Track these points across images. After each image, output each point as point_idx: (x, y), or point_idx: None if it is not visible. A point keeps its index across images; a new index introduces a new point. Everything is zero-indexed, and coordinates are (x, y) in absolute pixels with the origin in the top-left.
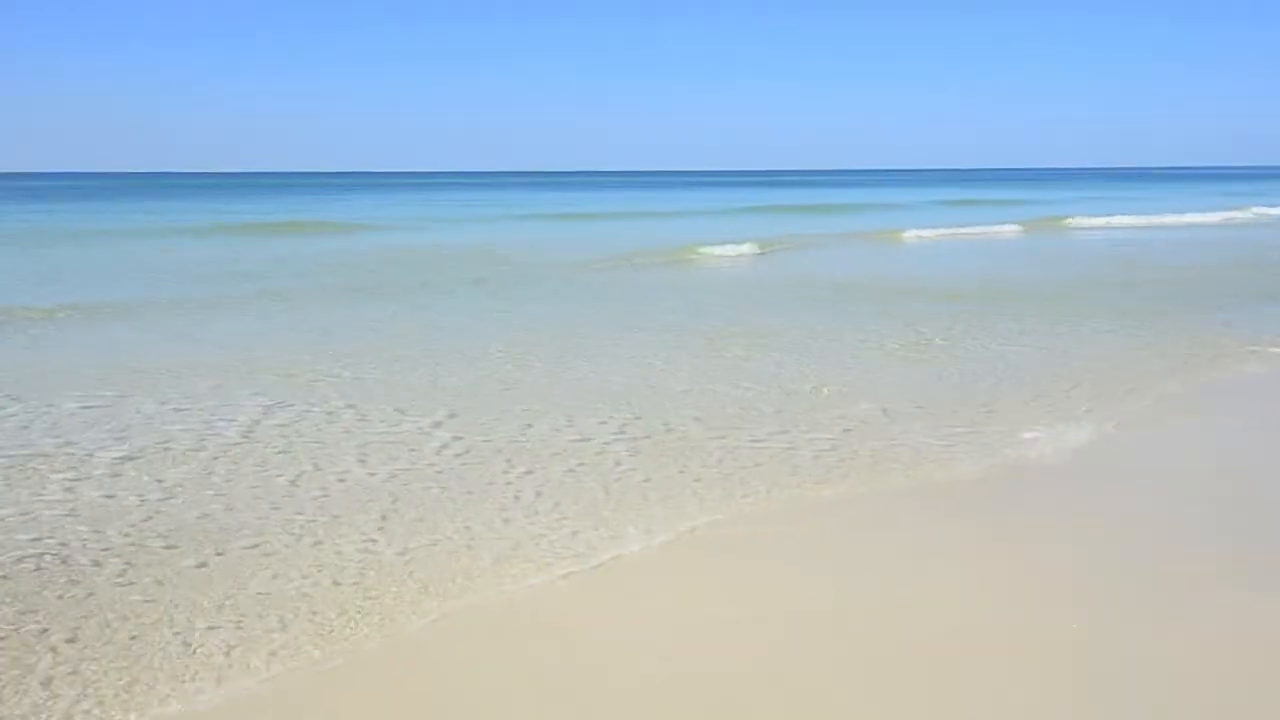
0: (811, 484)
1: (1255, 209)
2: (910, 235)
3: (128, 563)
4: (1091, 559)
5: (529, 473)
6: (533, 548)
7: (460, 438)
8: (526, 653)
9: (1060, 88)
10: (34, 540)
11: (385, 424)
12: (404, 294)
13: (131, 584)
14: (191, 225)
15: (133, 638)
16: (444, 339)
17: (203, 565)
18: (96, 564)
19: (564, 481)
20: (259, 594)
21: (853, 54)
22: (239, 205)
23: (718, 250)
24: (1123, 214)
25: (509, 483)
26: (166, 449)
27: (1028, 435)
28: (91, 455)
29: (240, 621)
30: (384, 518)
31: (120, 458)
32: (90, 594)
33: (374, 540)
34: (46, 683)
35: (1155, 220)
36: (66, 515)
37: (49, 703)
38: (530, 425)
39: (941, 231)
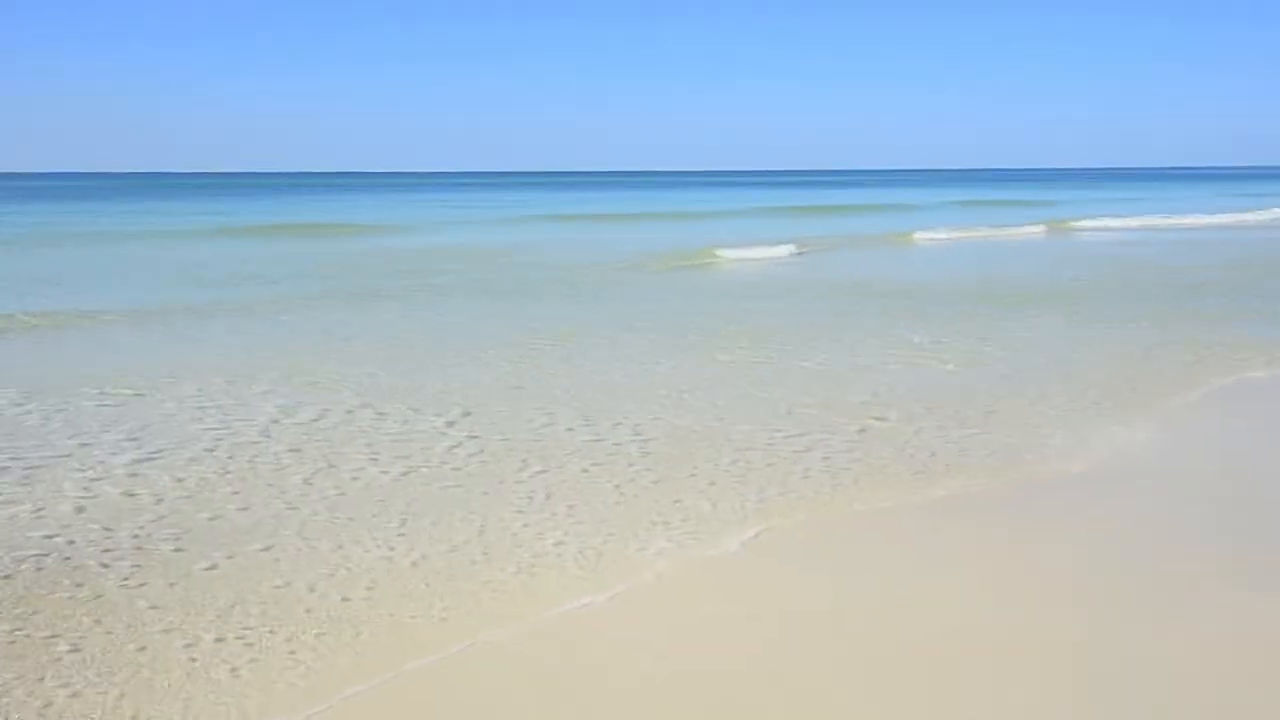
0: (820, 486)
1: (1276, 210)
2: (932, 237)
3: (136, 565)
4: (1091, 559)
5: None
6: (553, 560)
7: (515, 456)
8: (550, 677)
9: (1060, 88)
10: (46, 538)
11: (405, 425)
12: (451, 297)
13: (142, 585)
14: (197, 227)
15: (140, 649)
16: (510, 348)
17: (213, 568)
18: (105, 565)
19: (603, 494)
20: (267, 607)
21: (852, 54)
22: (243, 206)
23: (752, 253)
24: (1145, 215)
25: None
26: (182, 449)
27: (1032, 437)
28: (106, 455)
29: (245, 635)
30: (402, 521)
31: (135, 459)
32: (98, 595)
33: (391, 549)
34: (45, 707)
35: (1178, 221)
36: (79, 513)
37: None
38: (572, 428)
39: (967, 233)
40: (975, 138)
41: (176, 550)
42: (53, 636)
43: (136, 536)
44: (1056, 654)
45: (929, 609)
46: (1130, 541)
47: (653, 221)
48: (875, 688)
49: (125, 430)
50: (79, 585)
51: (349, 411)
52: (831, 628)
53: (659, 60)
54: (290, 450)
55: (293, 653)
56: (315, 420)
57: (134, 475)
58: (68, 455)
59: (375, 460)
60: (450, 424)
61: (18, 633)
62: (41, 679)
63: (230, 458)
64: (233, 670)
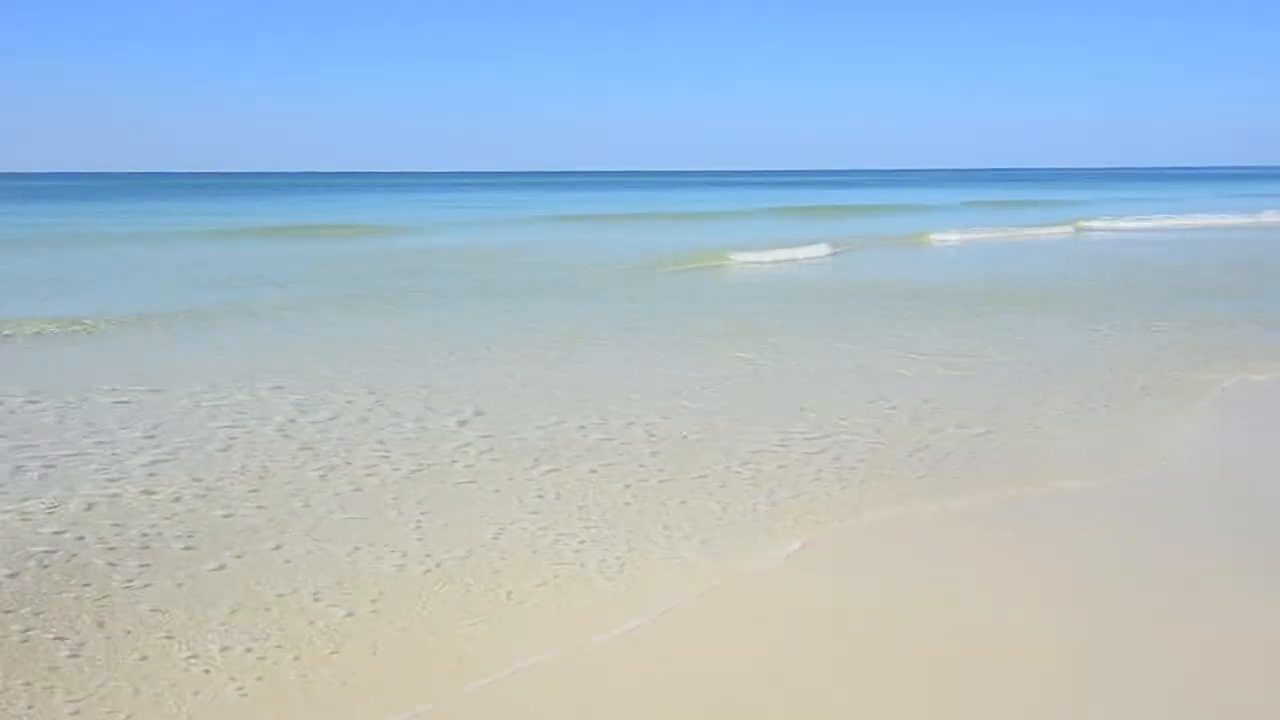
0: (826, 486)
1: None
2: (949, 238)
3: (145, 564)
4: (1091, 559)
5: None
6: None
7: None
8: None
9: (1060, 88)
10: (56, 534)
11: (418, 423)
12: (462, 299)
13: (148, 586)
14: (201, 229)
15: (142, 658)
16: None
17: (221, 568)
18: (113, 564)
19: (626, 502)
20: (273, 615)
21: (852, 54)
22: (245, 207)
23: (775, 254)
24: (1162, 215)
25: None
26: (200, 447)
27: (1034, 436)
28: (121, 453)
29: (253, 648)
30: (418, 525)
31: (152, 460)
32: (105, 596)
33: (404, 555)
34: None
35: (1198, 222)
36: (90, 510)
37: None
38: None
39: (991, 234)
40: (975, 137)
41: (187, 549)
42: (57, 639)
43: (146, 535)
44: (1056, 654)
45: (929, 609)
46: (1130, 541)
47: (661, 222)
48: (875, 687)
49: (141, 429)
50: (86, 585)
51: (364, 410)
52: (832, 626)
53: (659, 60)
54: (303, 448)
55: (303, 676)
56: (331, 419)
57: (150, 474)
58: (84, 453)
59: (387, 458)
60: (463, 423)
61: (25, 633)
62: (50, 687)
63: (248, 456)
64: (240, 690)
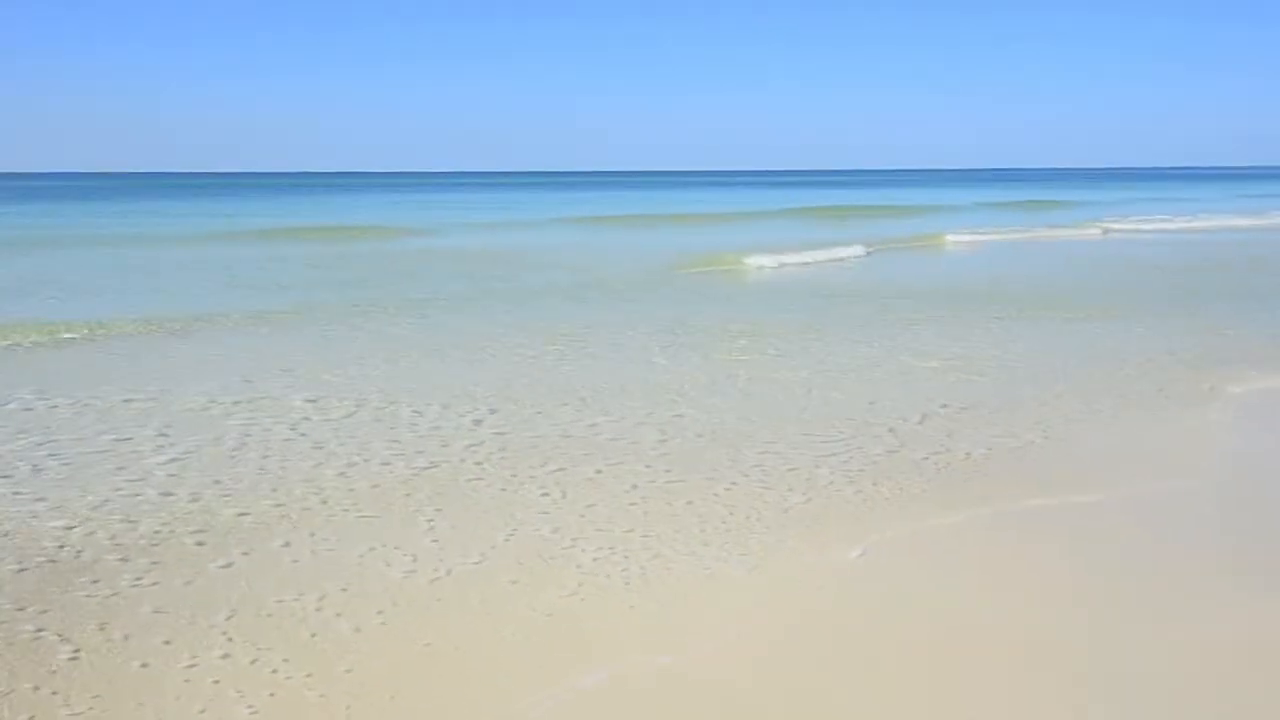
0: (828, 487)
1: None
2: (963, 240)
3: (155, 561)
4: (1092, 559)
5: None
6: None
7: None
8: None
9: (1061, 88)
10: (67, 529)
11: (434, 422)
12: (496, 303)
13: (155, 584)
14: (213, 231)
15: (143, 665)
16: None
17: (229, 565)
18: (124, 560)
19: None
20: (279, 622)
21: (852, 54)
22: (252, 207)
23: (809, 256)
24: (1184, 216)
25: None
26: (216, 444)
27: (1035, 436)
28: (138, 450)
29: (257, 659)
30: (430, 525)
31: (170, 459)
32: (114, 594)
33: (415, 559)
34: None
35: (1223, 223)
36: (104, 506)
37: None
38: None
39: (1022, 235)
40: (975, 137)
41: (198, 544)
42: (60, 639)
43: (158, 532)
44: (1057, 654)
45: (930, 609)
46: (1131, 541)
47: (674, 224)
48: (876, 687)
49: (154, 428)
50: (95, 581)
51: (381, 410)
52: (833, 627)
53: (659, 60)
54: (315, 447)
55: (324, 696)
56: (346, 416)
57: (167, 473)
58: (102, 451)
59: (402, 455)
60: (478, 421)
61: (32, 631)
62: (54, 692)
63: (265, 456)
64: (251, 709)
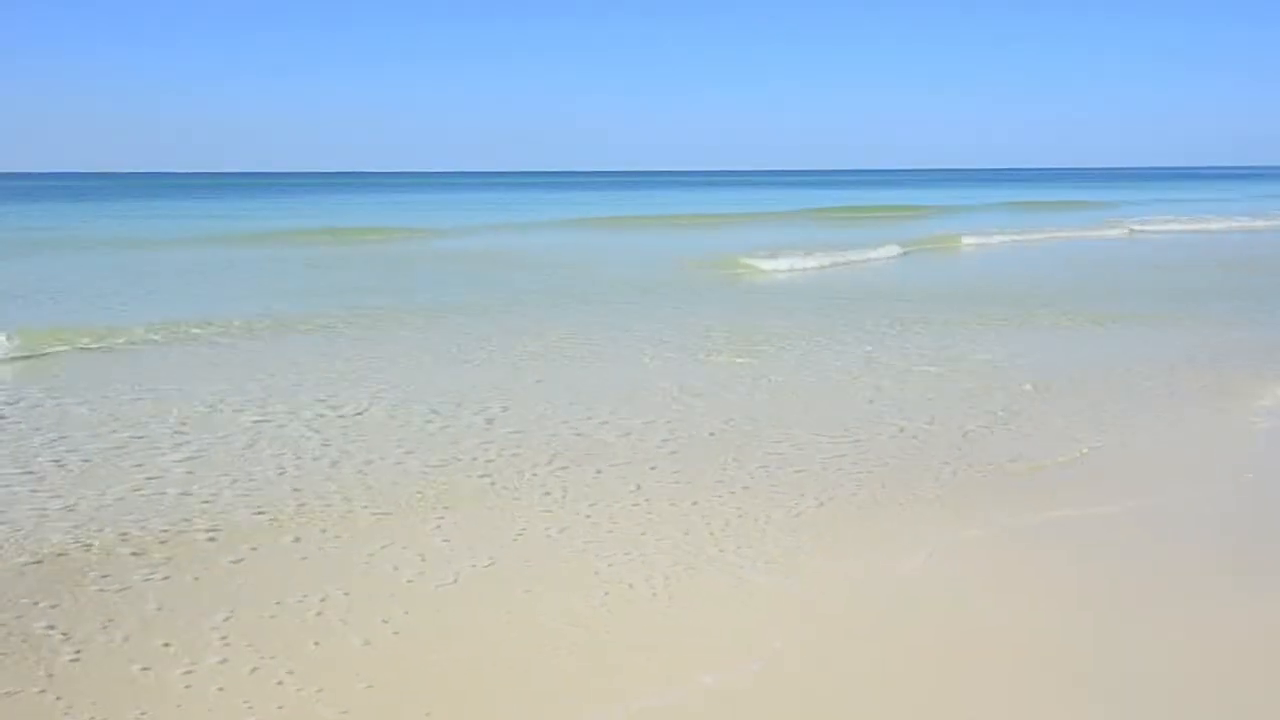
0: (830, 486)
1: None
2: (982, 241)
3: (168, 556)
4: (1093, 559)
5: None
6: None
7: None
8: None
9: (1061, 88)
10: (76, 526)
11: (446, 421)
12: (530, 307)
13: (167, 578)
14: (231, 233)
15: (144, 669)
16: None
17: (239, 561)
18: (137, 554)
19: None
20: (281, 626)
21: (852, 53)
22: (262, 208)
23: (856, 255)
24: (1213, 217)
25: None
26: (227, 442)
27: (1035, 438)
28: (155, 447)
29: (258, 666)
30: (438, 525)
31: (185, 457)
32: (125, 588)
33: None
34: None
35: (1247, 225)
36: (120, 501)
37: None
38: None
39: (1048, 235)
40: (976, 137)
41: (210, 540)
42: (64, 638)
43: (167, 530)
44: (1058, 654)
45: (930, 609)
46: (1132, 541)
47: (693, 225)
48: (876, 687)
49: (171, 424)
50: (106, 575)
51: (394, 406)
52: (832, 626)
53: (659, 60)
54: (323, 444)
55: (345, 713)
56: (358, 414)
57: (185, 471)
58: (119, 448)
59: (412, 454)
60: (490, 421)
61: (39, 628)
62: (58, 698)
63: (281, 455)
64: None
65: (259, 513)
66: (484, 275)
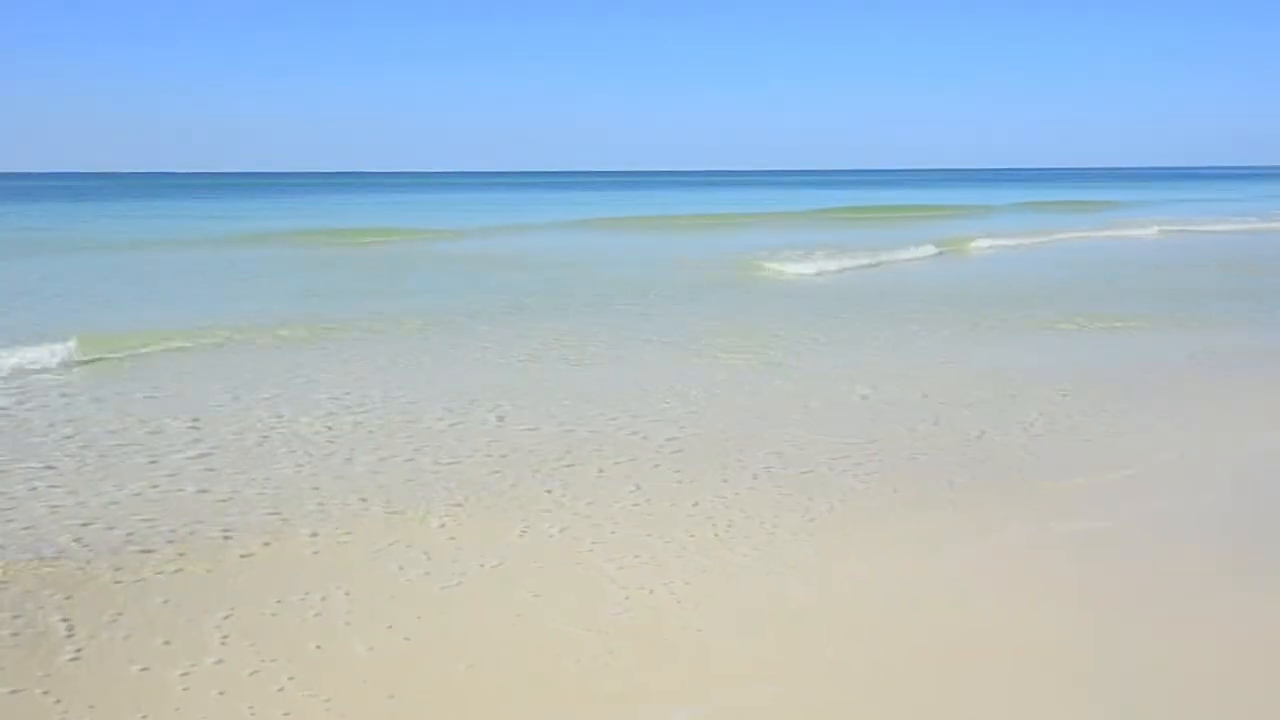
0: (830, 485)
1: None
2: (995, 244)
3: (182, 552)
4: (1093, 559)
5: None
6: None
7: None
8: None
9: (1063, 88)
10: (85, 525)
11: (457, 420)
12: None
13: (179, 571)
14: (241, 234)
15: (143, 670)
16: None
17: (249, 555)
18: (148, 551)
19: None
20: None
21: (854, 53)
22: (268, 208)
23: (890, 255)
24: (1239, 217)
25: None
26: (240, 438)
27: (1033, 437)
28: (171, 443)
29: (259, 669)
30: (443, 525)
31: (199, 454)
32: (138, 580)
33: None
34: None
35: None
36: (136, 497)
37: None
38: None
39: (1077, 235)
40: (976, 137)
41: (225, 537)
42: (68, 635)
43: (185, 526)
44: (1059, 654)
45: (930, 609)
46: (1133, 541)
47: (712, 226)
48: (876, 687)
49: (186, 420)
50: (118, 569)
51: (407, 405)
52: (832, 626)
53: (659, 60)
54: (329, 439)
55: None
56: (369, 411)
57: (202, 468)
58: (136, 443)
59: (421, 451)
60: (501, 419)
61: (34, 619)
62: (57, 700)
63: (299, 455)
64: None
65: (273, 513)
66: (502, 278)
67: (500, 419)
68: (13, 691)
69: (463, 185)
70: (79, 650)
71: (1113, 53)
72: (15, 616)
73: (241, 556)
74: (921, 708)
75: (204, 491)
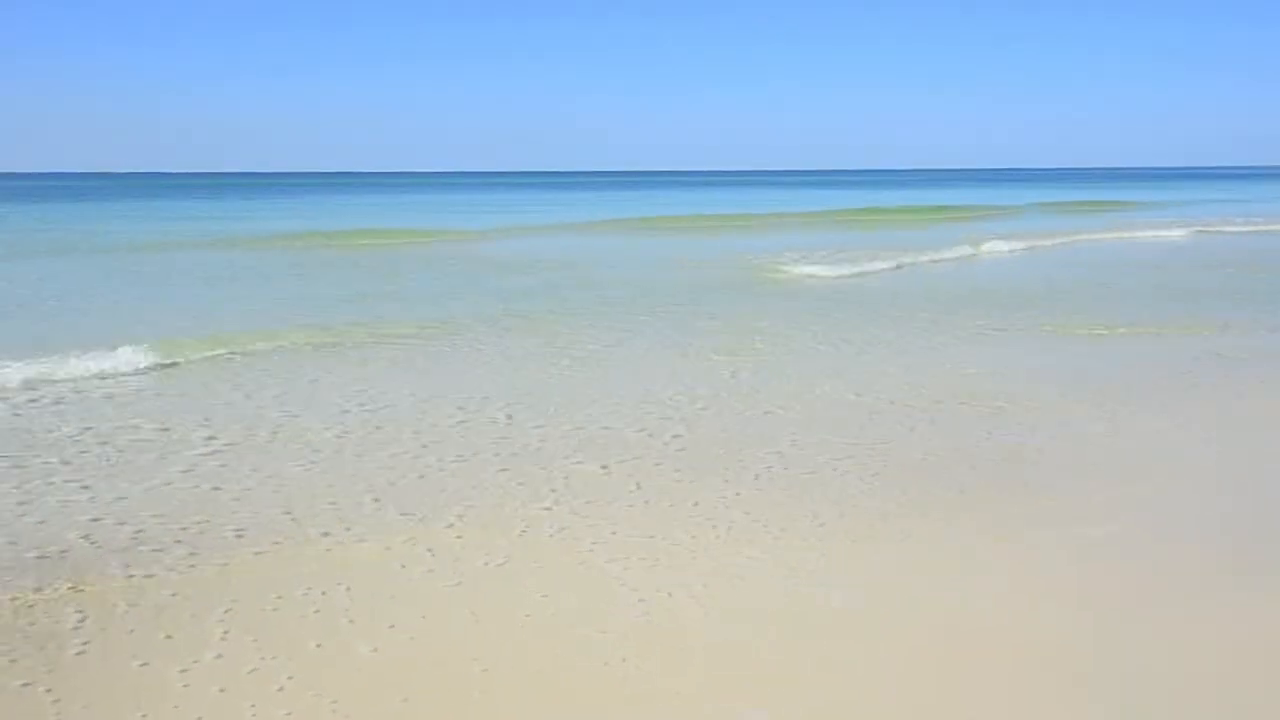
0: (830, 483)
1: None
2: (1008, 247)
3: (194, 551)
4: (1093, 559)
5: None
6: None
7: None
8: None
9: (1062, 88)
10: (94, 520)
11: (464, 416)
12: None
13: (192, 567)
14: (257, 235)
15: (142, 665)
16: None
17: (261, 553)
18: (159, 550)
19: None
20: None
21: (854, 53)
22: (263, 209)
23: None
24: (1269, 219)
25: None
26: (251, 435)
27: (1030, 436)
28: (184, 440)
29: (257, 665)
30: (450, 525)
31: (212, 450)
32: (148, 575)
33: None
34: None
35: None
36: (149, 493)
37: None
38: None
39: (1113, 235)
40: (976, 137)
41: (237, 536)
42: (75, 628)
43: (198, 522)
44: (1059, 654)
45: (931, 609)
46: (1135, 541)
47: (734, 227)
48: (877, 687)
49: (199, 417)
50: (127, 565)
51: (416, 403)
52: (832, 626)
53: (659, 60)
54: (338, 436)
55: None
56: (385, 408)
57: (218, 465)
58: (149, 441)
59: (427, 448)
60: (510, 418)
61: (42, 614)
62: (56, 699)
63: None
64: None
65: (286, 511)
66: (514, 281)
67: (510, 417)
68: (24, 685)
69: (463, 186)
70: (85, 644)
71: (1112, 53)
72: (30, 605)
73: (255, 554)
74: (922, 707)
75: (217, 489)
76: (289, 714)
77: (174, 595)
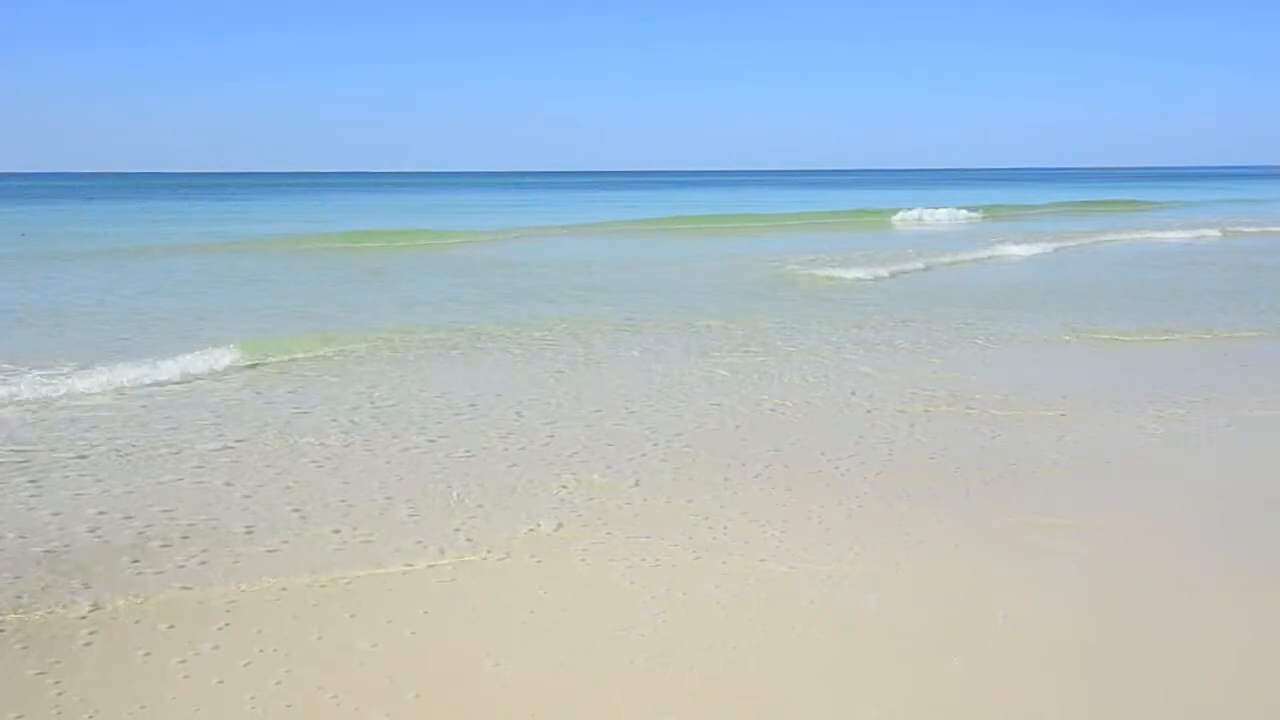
0: (832, 482)
1: None
2: (1086, 241)
3: (204, 549)
4: (1093, 559)
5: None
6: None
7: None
8: None
9: (1065, 88)
10: (101, 515)
11: (472, 413)
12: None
13: (204, 564)
14: (275, 237)
15: (146, 655)
16: None
17: (273, 551)
18: (166, 546)
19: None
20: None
21: (855, 52)
22: (268, 209)
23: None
24: None
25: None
26: (261, 432)
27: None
28: (196, 438)
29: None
30: (457, 528)
31: (223, 446)
32: (159, 572)
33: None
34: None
35: None
36: (162, 489)
37: None
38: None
39: (1146, 236)
40: (975, 137)
41: (247, 532)
42: (82, 618)
43: (207, 520)
44: (1060, 654)
45: (931, 609)
46: (1136, 541)
47: (756, 227)
48: (877, 687)
49: (210, 415)
50: (136, 561)
51: (420, 400)
52: (832, 626)
53: (659, 60)
54: (342, 436)
55: None
56: (394, 405)
57: (231, 462)
58: (159, 438)
59: (433, 444)
60: (514, 418)
61: (45, 612)
62: (60, 694)
63: (324, 456)
64: None
65: (295, 510)
66: (528, 282)
67: (518, 415)
68: (39, 674)
69: (463, 186)
70: (93, 632)
71: (1113, 52)
72: (44, 588)
73: (271, 549)
74: (928, 706)
75: (229, 485)
76: (289, 705)
77: (182, 589)
